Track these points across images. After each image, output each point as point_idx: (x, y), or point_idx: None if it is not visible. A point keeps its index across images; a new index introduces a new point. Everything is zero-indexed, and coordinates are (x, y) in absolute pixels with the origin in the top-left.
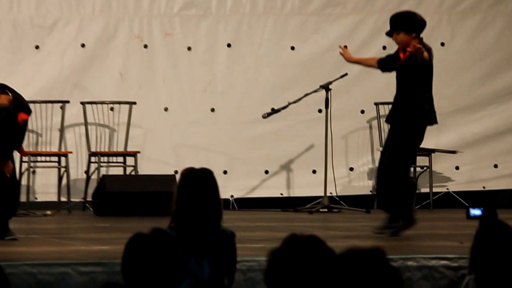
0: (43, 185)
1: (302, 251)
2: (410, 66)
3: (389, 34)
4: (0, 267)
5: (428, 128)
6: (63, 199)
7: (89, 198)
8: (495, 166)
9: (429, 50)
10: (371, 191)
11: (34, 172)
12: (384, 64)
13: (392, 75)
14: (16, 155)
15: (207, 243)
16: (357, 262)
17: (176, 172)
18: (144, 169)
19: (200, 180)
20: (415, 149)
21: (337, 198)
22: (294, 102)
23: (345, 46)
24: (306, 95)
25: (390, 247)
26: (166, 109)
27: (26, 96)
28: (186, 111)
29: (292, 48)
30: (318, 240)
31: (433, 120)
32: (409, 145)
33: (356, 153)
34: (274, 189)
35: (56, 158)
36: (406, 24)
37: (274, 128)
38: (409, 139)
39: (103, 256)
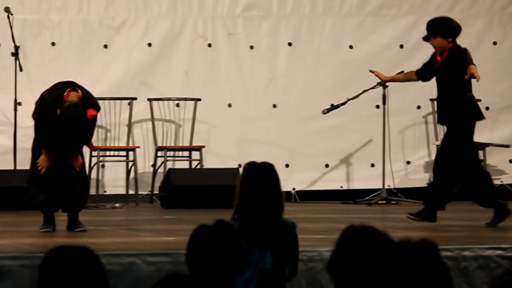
0: (112, 178)
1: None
2: (449, 68)
3: (426, 39)
4: (96, 257)
5: (482, 123)
6: (131, 192)
7: (156, 191)
8: None
9: (465, 53)
10: (427, 184)
11: (103, 166)
12: (423, 74)
13: None
14: (86, 149)
15: (269, 234)
16: (409, 254)
17: (239, 165)
18: (209, 163)
19: (262, 174)
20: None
21: (395, 191)
22: (352, 99)
23: (373, 71)
24: (364, 91)
25: (447, 238)
26: (229, 105)
27: (95, 94)
28: (249, 107)
29: (351, 47)
30: (376, 231)
31: (482, 116)
32: (471, 140)
33: (412, 147)
34: (334, 182)
35: (124, 153)
36: (442, 29)
37: (333, 124)
38: (468, 135)
39: (169, 246)
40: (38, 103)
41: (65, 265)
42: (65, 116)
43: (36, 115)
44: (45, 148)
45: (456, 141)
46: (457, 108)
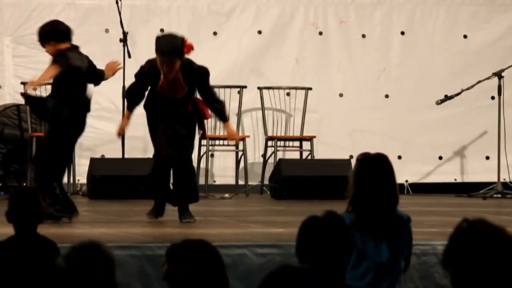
0: (221, 168)
1: (476, 236)
2: None
3: None
4: (215, 249)
5: None
6: (240, 182)
7: (266, 182)
8: None
9: None
10: None
11: (212, 155)
12: None
13: None
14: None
15: (384, 227)
16: None
17: (350, 156)
18: (320, 153)
19: (377, 165)
20: None
21: (511, 184)
22: (467, 89)
23: None
24: (478, 82)
25: None
26: (341, 95)
27: None
28: (361, 97)
29: (465, 36)
30: (491, 226)
31: None
32: None
33: None
34: (447, 174)
35: (233, 142)
36: None
37: (447, 115)
38: None
39: (279, 238)
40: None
41: (188, 259)
42: (161, 39)
43: (136, 76)
44: (130, 108)
45: None
46: None
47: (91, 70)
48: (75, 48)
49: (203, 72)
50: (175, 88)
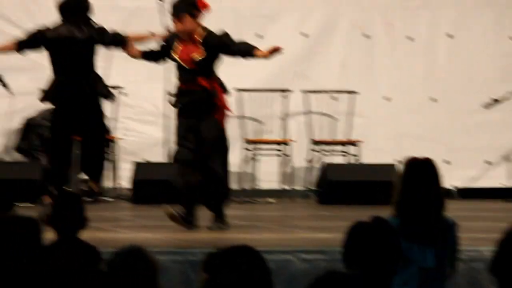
0: (266, 172)
1: None
2: None
3: None
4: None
5: None
6: (285, 187)
7: (311, 186)
8: None
9: None
10: None
11: (257, 160)
12: None
13: None
14: (240, 141)
15: (430, 232)
16: None
17: (397, 161)
18: (366, 158)
19: (422, 170)
20: None
21: None
22: None
23: None
24: None
25: None
26: (387, 99)
27: (249, 85)
28: (407, 101)
29: None
30: None
31: None
32: None
33: None
34: (496, 179)
35: (278, 146)
36: None
37: (495, 118)
38: None
39: (324, 243)
40: None
41: (232, 266)
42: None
43: None
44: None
45: None
46: None
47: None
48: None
49: (224, 34)
50: (192, 50)
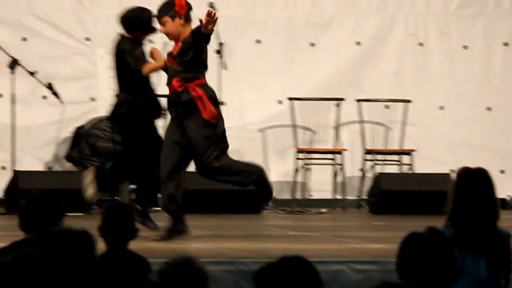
0: (318, 182)
1: None
2: None
3: None
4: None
5: None
6: (337, 196)
7: (364, 196)
8: None
9: None
10: None
11: (309, 169)
12: None
13: None
14: (292, 151)
15: (483, 243)
16: None
17: (451, 171)
18: (419, 167)
19: (476, 180)
20: None
21: None
22: None
23: None
24: None
25: None
26: (441, 108)
27: (301, 94)
28: (462, 110)
29: None
30: None
31: None
32: None
33: None
34: None
35: (331, 156)
36: None
37: None
38: None
39: (378, 254)
40: None
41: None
42: None
43: None
44: None
45: None
46: None
47: None
48: None
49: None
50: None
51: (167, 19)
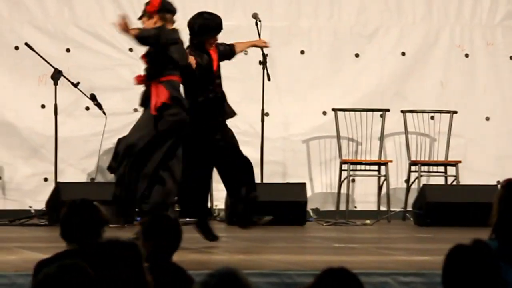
0: (363, 194)
1: None
2: None
3: None
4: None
5: None
6: (382, 208)
7: (409, 208)
8: None
9: None
10: None
11: (353, 180)
12: None
13: None
14: (336, 162)
15: None
16: None
17: (498, 182)
18: (465, 179)
19: None
20: None
21: None
22: None
23: None
24: None
25: None
26: (487, 119)
27: (346, 105)
28: (508, 121)
29: None
30: None
31: None
32: None
33: None
34: None
35: (376, 167)
36: None
37: None
38: None
39: (423, 266)
40: None
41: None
42: None
43: None
44: None
45: None
46: None
47: None
48: None
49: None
50: None
51: (144, 18)
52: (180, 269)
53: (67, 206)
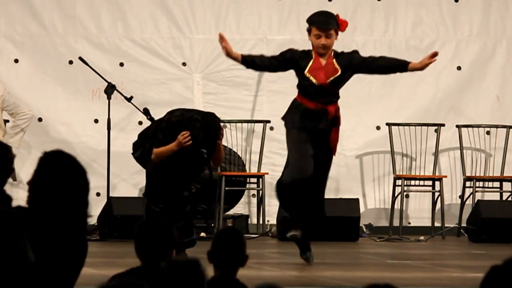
0: (417, 209)
1: None
2: None
3: None
4: None
5: None
6: (437, 224)
7: (463, 224)
8: None
9: None
10: None
11: (407, 196)
12: None
13: None
14: (390, 177)
15: None
16: None
17: None
18: None
19: None
20: None
21: None
22: None
23: None
24: None
25: None
26: None
27: (400, 119)
28: None
29: None
30: None
31: None
32: None
33: None
34: None
35: (430, 182)
36: None
37: None
38: None
39: (477, 283)
40: None
41: None
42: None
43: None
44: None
45: None
46: None
47: None
48: None
49: (354, 51)
50: (327, 69)
51: (333, 30)
52: (242, 285)
53: (140, 224)
